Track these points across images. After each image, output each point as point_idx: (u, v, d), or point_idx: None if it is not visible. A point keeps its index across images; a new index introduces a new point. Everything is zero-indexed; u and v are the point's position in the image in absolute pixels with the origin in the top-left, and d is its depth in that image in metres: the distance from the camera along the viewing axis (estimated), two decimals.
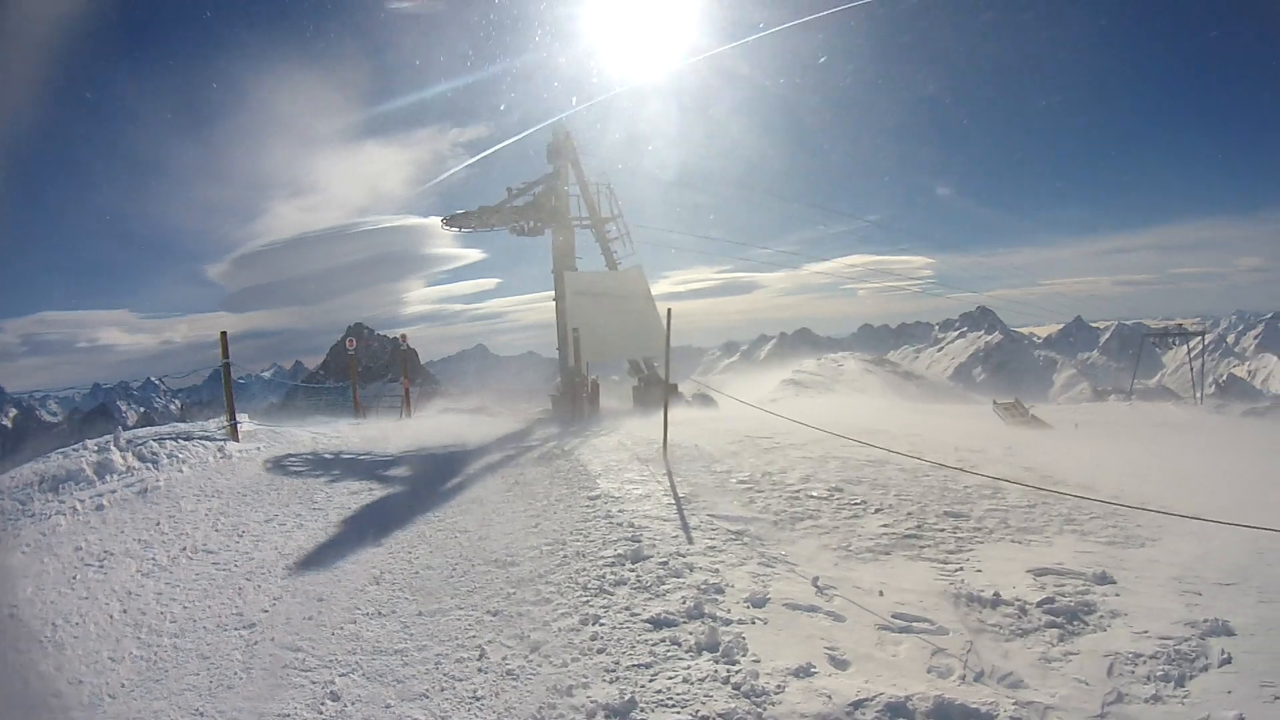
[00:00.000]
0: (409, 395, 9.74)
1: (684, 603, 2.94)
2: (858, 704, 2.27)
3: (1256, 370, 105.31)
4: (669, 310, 6.28)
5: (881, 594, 3.28)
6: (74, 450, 5.06)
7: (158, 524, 4.03)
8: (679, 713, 2.23)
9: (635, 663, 2.52)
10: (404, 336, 11.10)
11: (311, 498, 4.84)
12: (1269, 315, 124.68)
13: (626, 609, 2.97)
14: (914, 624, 2.93)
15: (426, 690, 2.45)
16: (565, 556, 3.65)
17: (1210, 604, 3.31)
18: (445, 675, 2.56)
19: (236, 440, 5.99)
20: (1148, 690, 2.53)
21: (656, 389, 9.70)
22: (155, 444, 5.20)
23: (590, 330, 10.25)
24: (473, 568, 3.59)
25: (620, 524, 4.10)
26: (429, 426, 7.91)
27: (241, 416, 6.21)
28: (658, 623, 2.82)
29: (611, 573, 3.36)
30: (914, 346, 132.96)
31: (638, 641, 2.68)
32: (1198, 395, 30.24)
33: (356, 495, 4.91)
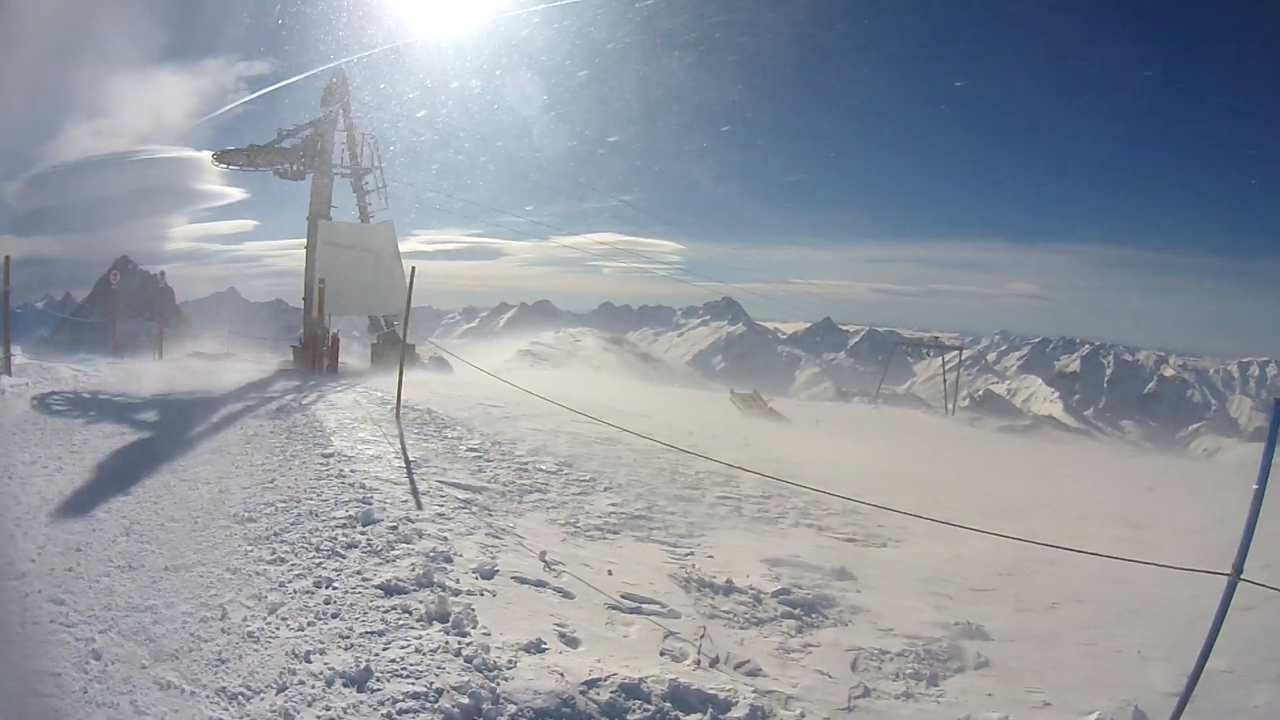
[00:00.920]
0: (162, 336, 24.01)
1: (413, 570, 6.52)
2: (591, 683, 5.20)
3: (1018, 390, 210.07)
4: (413, 269, 15.06)
5: (611, 573, 7.44)
6: None
7: None
8: (414, 683, 4.98)
9: (369, 629, 5.59)
10: (162, 274, 28.39)
11: (70, 439, 10.70)
12: (1037, 339, 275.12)
13: (358, 573, 6.50)
14: (644, 605, 6.75)
15: (176, 650, 5.33)
16: (299, 515, 7.86)
17: (962, 608, 8.33)
18: (192, 635, 5.53)
19: (9, 374, 14.68)
20: (897, 687, 6.34)
21: (395, 348, 20.97)
22: None
23: (336, 283, 24.06)
24: (213, 522, 7.78)
25: (352, 484, 8.88)
26: (178, 370, 18.70)
27: (15, 350, 16.13)
28: (389, 589, 6.21)
29: (344, 534, 7.34)
30: (654, 330, 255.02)
31: (370, 608, 5.92)
32: (949, 406, 72.01)
33: (110, 439, 10.93)
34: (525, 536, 8.03)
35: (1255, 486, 4.80)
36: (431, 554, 6.85)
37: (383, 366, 22.45)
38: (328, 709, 4.64)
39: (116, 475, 9.18)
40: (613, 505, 9.99)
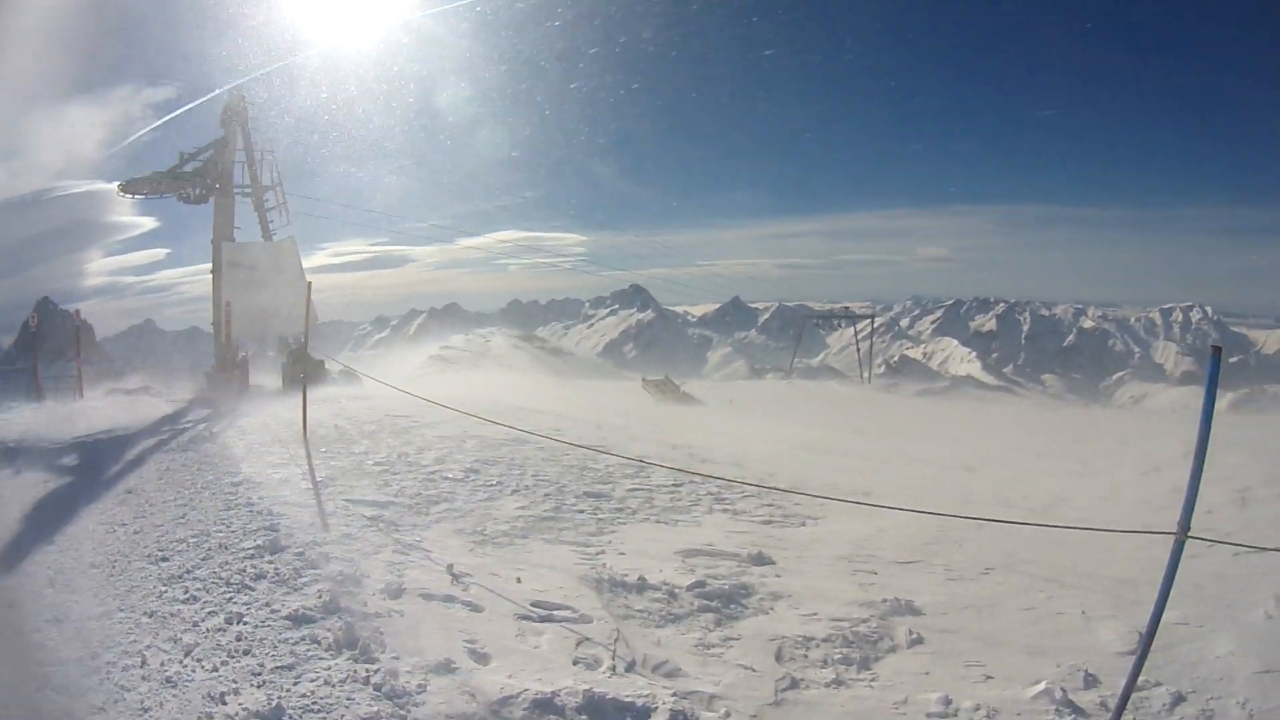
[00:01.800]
0: (81, 376, 23.94)
1: (320, 597, 6.57)
2: (503, 701, 5.23)
3: (933, 353, 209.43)
4: (308, 285, 14.97)
5: (520, 581, 7.44)
6: None
7: None
8: (324, 718, 5.00)
9: (279, 664, 5.64)
10: (77, 312, 27.06)
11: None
12: (950, 302, 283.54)
13: (267, 605, 6.58)
14: (555, 612, 6.71)
15: (104, 704, 5.33)
16: (209, 549, 8.03)
17: (889, 583, 8.27)
18: (116, 685, 5.56)
19: None
20: (826, 675, 6.18)
21: (305, 366, 19.87)
22: None
23: (243, 304, 25.65)
24: (129, 565, 7.82)
25: (260, 512, 9.05)
26: (96, 409, 18.97)
27: None
28: (297, 619, 6.27)
29: (252, 565, 7.43)
30: (563, 323, 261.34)
31: (280, 641, 5.96)
32: (865, 374, 79.63)
33: (33, 488, 11.06)
34: (432, 550, 8.07)
35: (1197, 442, 4.69)
36: (338, 578, 6.92)
37: (294, 386, 22.34)
38: None
39: (41, 524, 9.32)
40: (520, 509, 10.00)
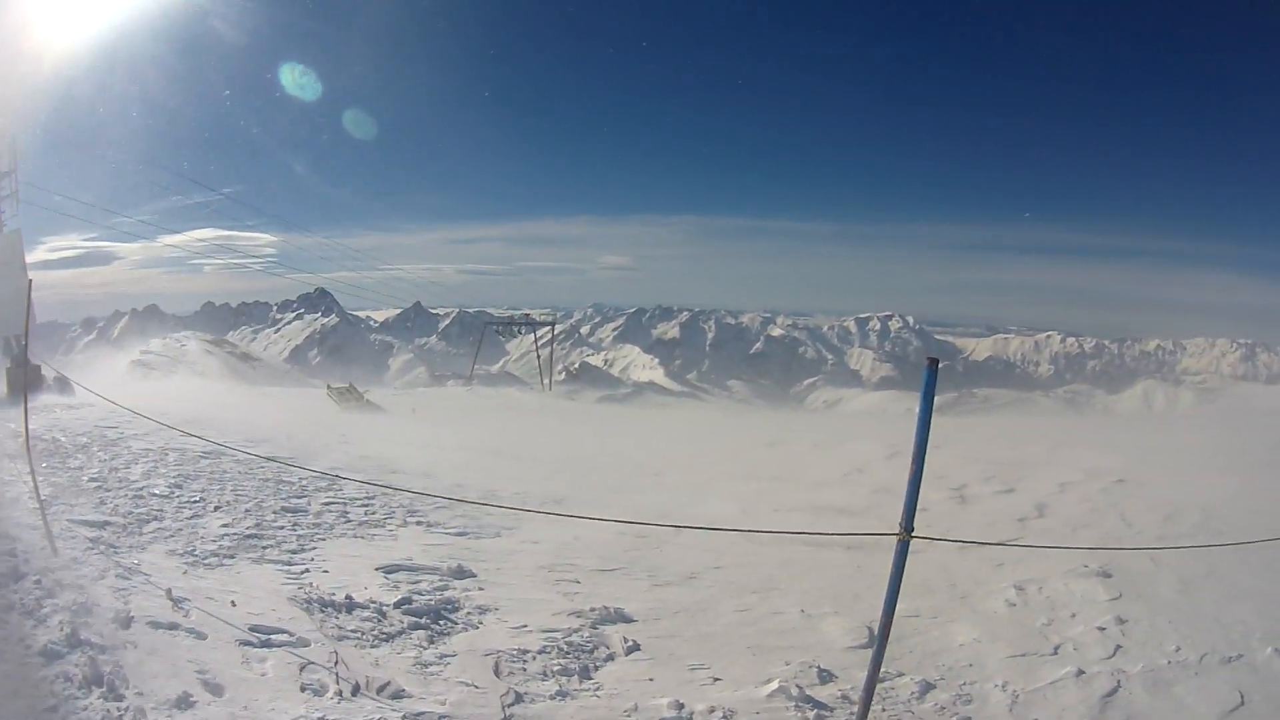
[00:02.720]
0: None
1: (63, 629, 6.02)
2: None
3: (615, 360, 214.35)
4: (29, 283, 13.12)
5: (234, 604, 7.32)
6: None
7: None
8: None
9: (44, 706, 5.14)
10: None
11: None
12: (632, 310, 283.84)
13: (21, 640, 5.90)
14: (273, 637, 6.64)
15: None
16: None
17: (595, 592, 8.75)
18: None
19: None
20: (549, 687, 6.35)
21: (25, 372, 17.97)
22: None
23: None
24: None
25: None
26: None
27: None
28: (49, 655, 5.71)
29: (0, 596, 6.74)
30: (252, 327, 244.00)
31: (40, 680, 5.43)
32: (545, 382, 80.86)
33: None
34: (151, 573, 7.74)
35: (914, 448, 4.90)
36: (74, 607, 6.46)
37: (18, 395, 20.27)
38: None
39: None
40: (224, 526, 9.88)
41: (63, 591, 6.78)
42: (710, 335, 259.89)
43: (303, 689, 5.74)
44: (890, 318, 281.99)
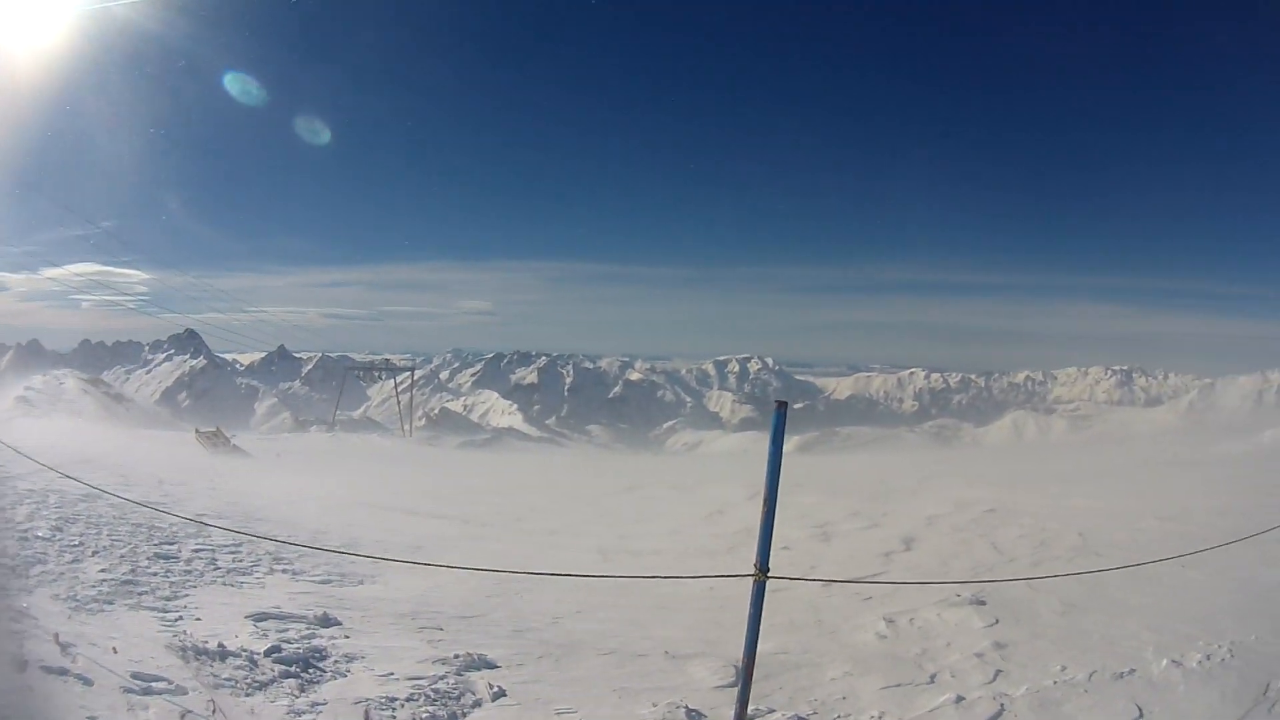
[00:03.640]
0: None
1: None
2: None
3: (474, 405, 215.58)
4: None
5: (116, 651, 6.89)
6: None
7: None
8: None
9: None
10: None
11: None
12: (490, 355, 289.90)
13: None
14: (153, 684, 6.32)
15: None
16: None
17: (457, 638, 8.53)
18: None
19: None
20: None
21: None
22: None
23: None
24: None
25: None
26: None
27: None
28: None
29: None
30: (126, 367, 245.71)
31: None
32: (406, 428, 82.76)
33: None
34: (39, 617, 7.44)
35: (765, 490, 4.97)
36: None
37: None
38: None
39: None
40: (102, 571, 9.67)
41: None
42: (569, 380, 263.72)
43: None
44: (749, 359, 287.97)
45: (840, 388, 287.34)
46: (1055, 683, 7.37)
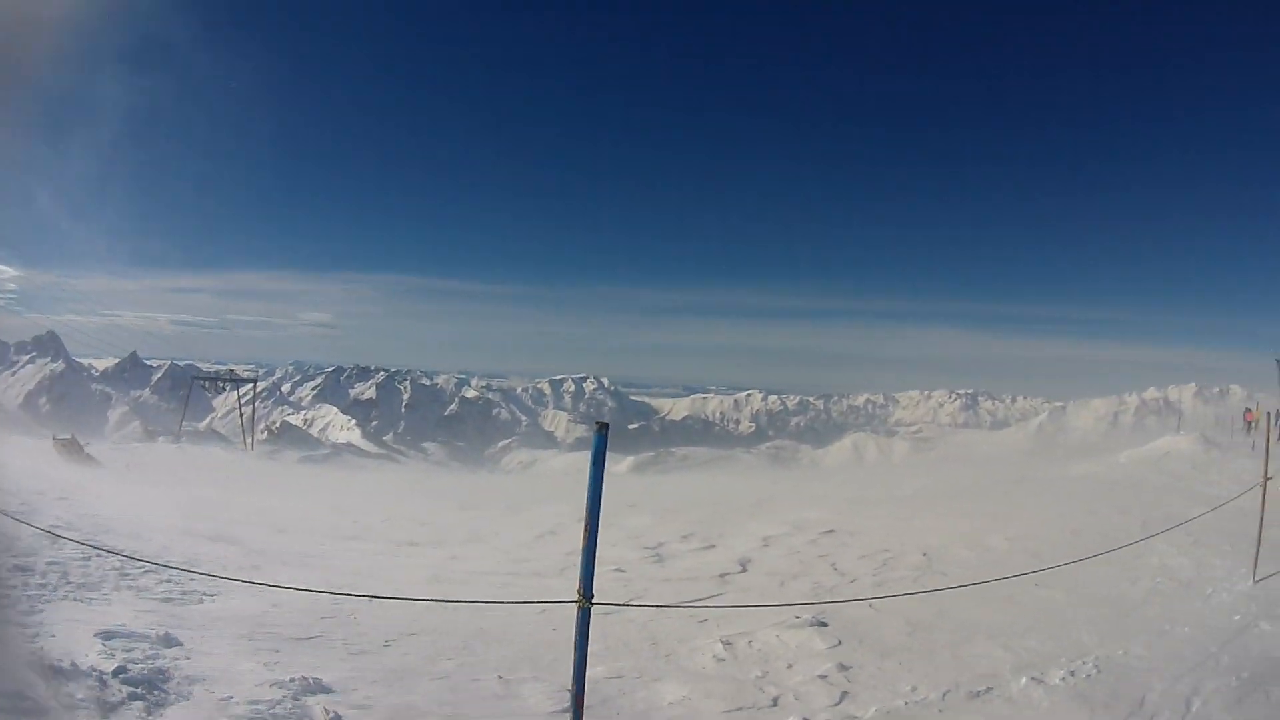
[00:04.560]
0: None
1: None
2: None
3: (314, 419, 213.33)
4: None
5: None
6: None
7: None
8: None
9: None
10: None
11: None
12: (331, 369, 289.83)
13: None
14: (19, 704, 5.83)
15: None
16: None
17: (293, 661, 8.18)
18: None
19: None
20: None
21: None
22: None
23: None
24: None
25: None
26: None
27: None
28: None
29: None
30: None
31: None
32: (248, 441, 79.29)
33: None
34: None
35: (586, 515, 4.88)
36: None
37: None
38: None
39: None
40: None
41: None
42: (406, 396, 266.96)
43: None
44: (585, 379, 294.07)
45: (676, 408, 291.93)
46: (906, 703, 7.45)
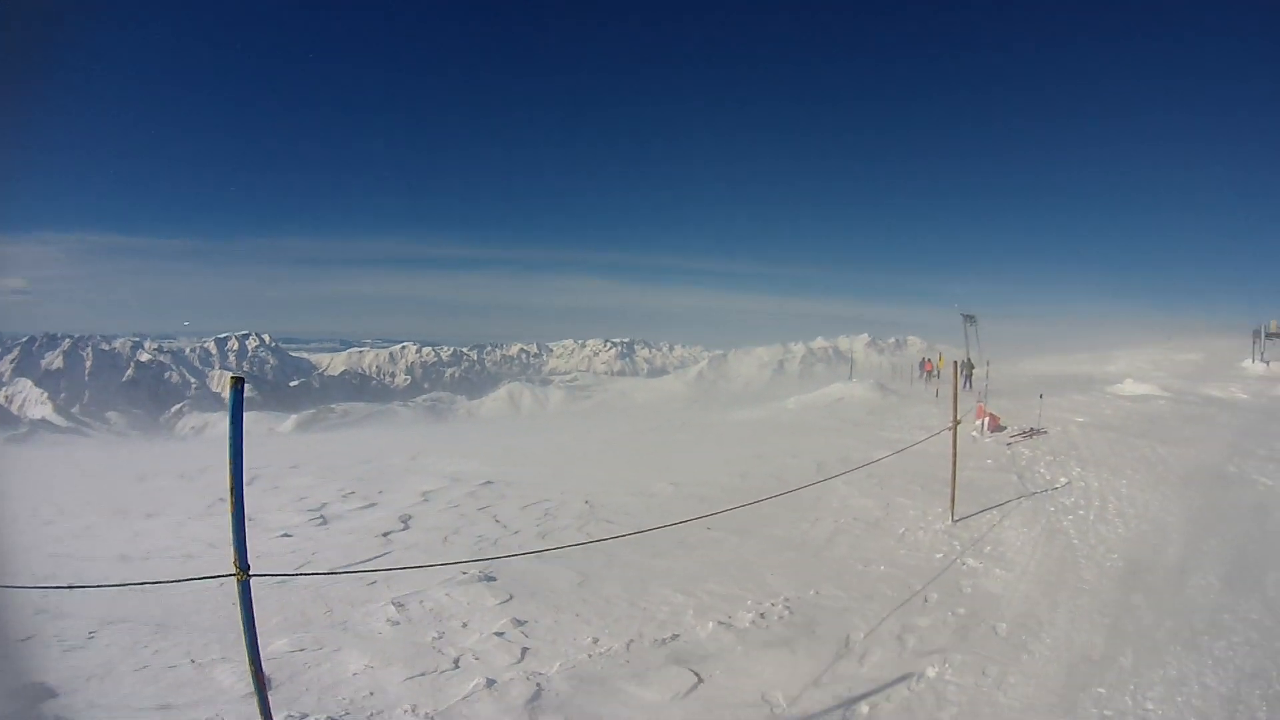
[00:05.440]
0: None
1: None
2: None
3: (14, 395, 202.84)
4: None
5: None
6: None
7: None
8: None
9: None
10: None
11: None
12: (25, 339, 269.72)
13: None
14: None
15: None
16: None
17: (18, 666, 7.53)
18: None
19: None
20: None
21: None
22: None
23: None
24: None
25: None
26: None
27: None
28: None
29: None
30: None
31: None
32: None
33: None
34: None
35: (231, 481, 4.64)
36: None
37: None
38: None
39: None
40: None
41: None
42: (89, 364, 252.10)
43: None
44: (248, 336, 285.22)
45: (334, 363, 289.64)
46: (590, 656, 7.66)
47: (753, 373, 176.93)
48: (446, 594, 9.25)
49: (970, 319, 45.69)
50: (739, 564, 10.39)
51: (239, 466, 4.63)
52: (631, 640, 7.95)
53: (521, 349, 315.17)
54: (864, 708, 6.88)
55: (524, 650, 7.71)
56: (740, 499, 12.16)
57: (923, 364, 43.36)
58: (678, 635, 8.08)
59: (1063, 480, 14.63)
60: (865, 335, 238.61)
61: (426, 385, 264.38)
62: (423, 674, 7.21)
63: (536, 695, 6.82)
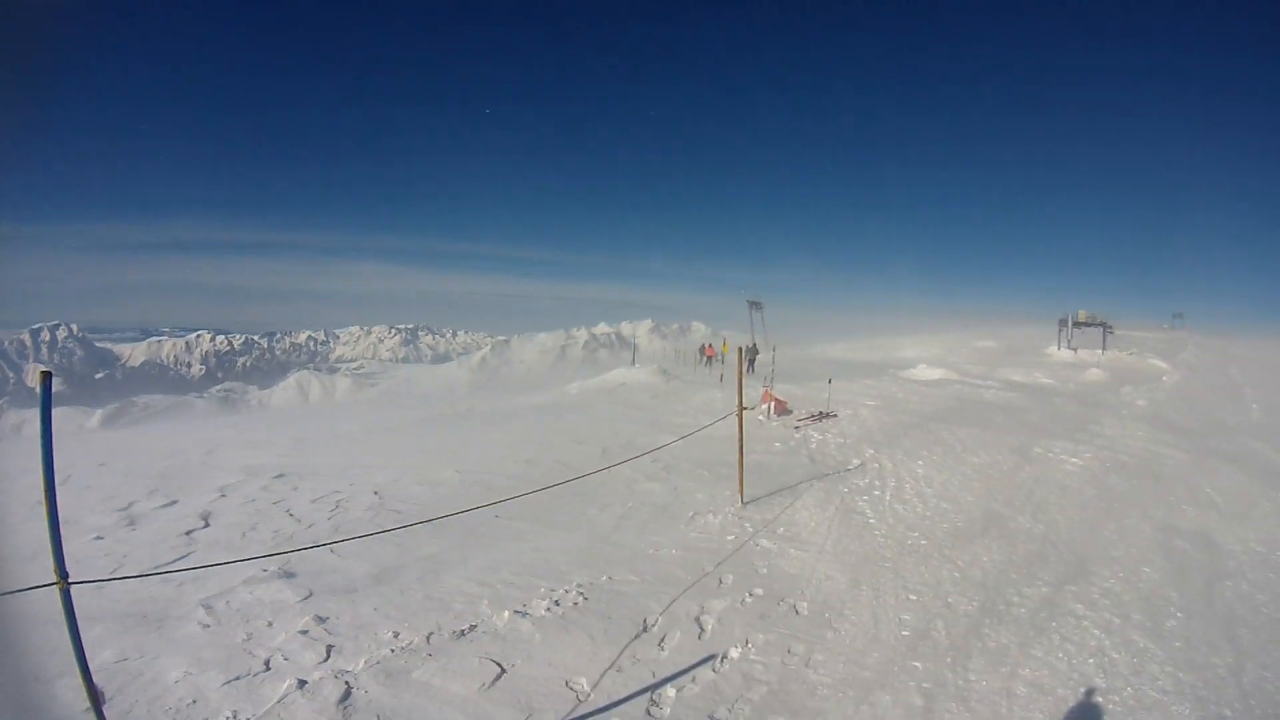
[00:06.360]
0: None
1: None
2: None
3: None
4: None
5: None
6: None
7: None
8: None
9: None
10: None
11: None
12: None
13: None
14: None
15: None
16: None
17: None
18: None
19: None
20: None
21: None
22: None
23: None
24: None
25: None
26: None
27: None
28: None
29: None
30: None
31: None
32: None
33: None
34: None
35: (44, 483, 4.46)
36: None
37: None
38: None
39: None
40: None
41: None
42: None
43: None
44: (58, 327, 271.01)
45: (135, 354, 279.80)
46: (393, 651, 7.67)
47: (535, 358, 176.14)
48: (250, 592, 9.12)
49: (756, 305, 46.91)
50: (530, 552, 10.50)
51: (51, 468, 4.49)
52: (431, 633, 8.00)
53: (309, 335, 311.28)
54: (669, 690, 7.09)
55: (329, 648, 7.69)
56: (528, 486, 12.44)
57: (703, 349, 44.99)
58: (475, 626, 8.16)
59: (855, 462, 15.17)
60: (649, 321, 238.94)
61: (220, 375, 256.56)
62: (238, 677, 7.12)
63: (347, 694, 6.84)
